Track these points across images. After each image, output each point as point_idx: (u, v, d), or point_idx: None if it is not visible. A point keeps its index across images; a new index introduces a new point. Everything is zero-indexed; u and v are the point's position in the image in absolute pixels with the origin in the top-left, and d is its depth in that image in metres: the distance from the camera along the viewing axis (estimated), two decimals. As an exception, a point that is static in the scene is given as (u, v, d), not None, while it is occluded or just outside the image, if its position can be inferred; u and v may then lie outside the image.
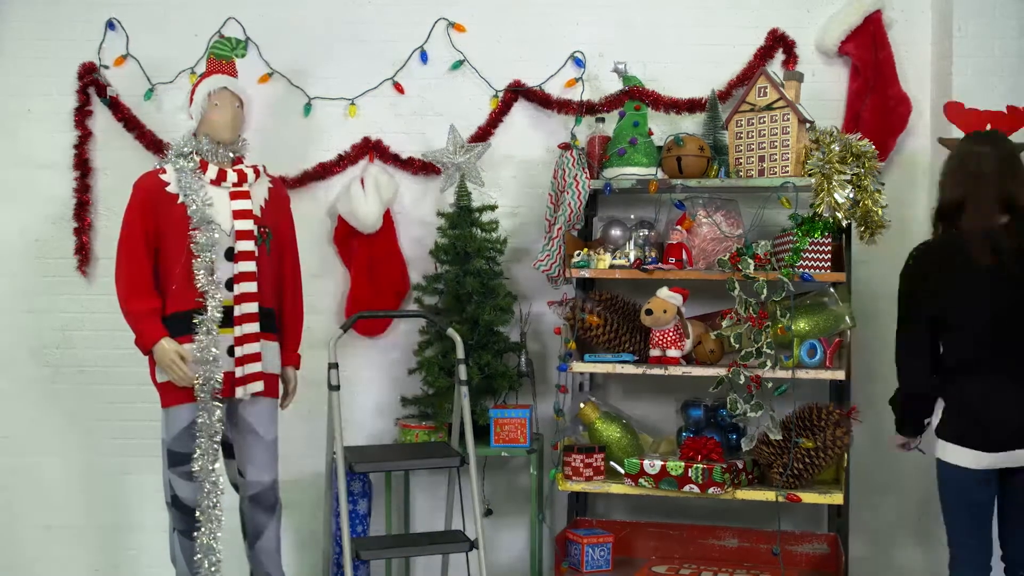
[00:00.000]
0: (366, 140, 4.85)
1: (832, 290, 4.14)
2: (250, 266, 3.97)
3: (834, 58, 4.65)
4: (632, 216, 4.54)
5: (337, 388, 3.97)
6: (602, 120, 4.57)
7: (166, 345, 3.85)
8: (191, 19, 4.88)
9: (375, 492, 4.78)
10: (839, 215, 4.04)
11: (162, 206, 3.93)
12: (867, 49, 4.57)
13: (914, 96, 4.60)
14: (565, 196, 4.32)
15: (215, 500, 3.92)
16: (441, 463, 4.09)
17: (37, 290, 4.97)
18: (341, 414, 4.11)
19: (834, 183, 4.03)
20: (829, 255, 4.12)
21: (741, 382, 4.06)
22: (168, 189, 3.95)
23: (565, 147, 4.41)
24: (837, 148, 4.08)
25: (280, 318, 4.17)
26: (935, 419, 3.63)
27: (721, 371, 4.12)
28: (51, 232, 4.95)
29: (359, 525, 4.57)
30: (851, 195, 4.04)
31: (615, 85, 4.65)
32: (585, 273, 4.32)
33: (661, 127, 4.64)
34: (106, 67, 4.92)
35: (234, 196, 4.00)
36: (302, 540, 4.93)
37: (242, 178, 4.04)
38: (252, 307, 3.97)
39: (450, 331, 4.13)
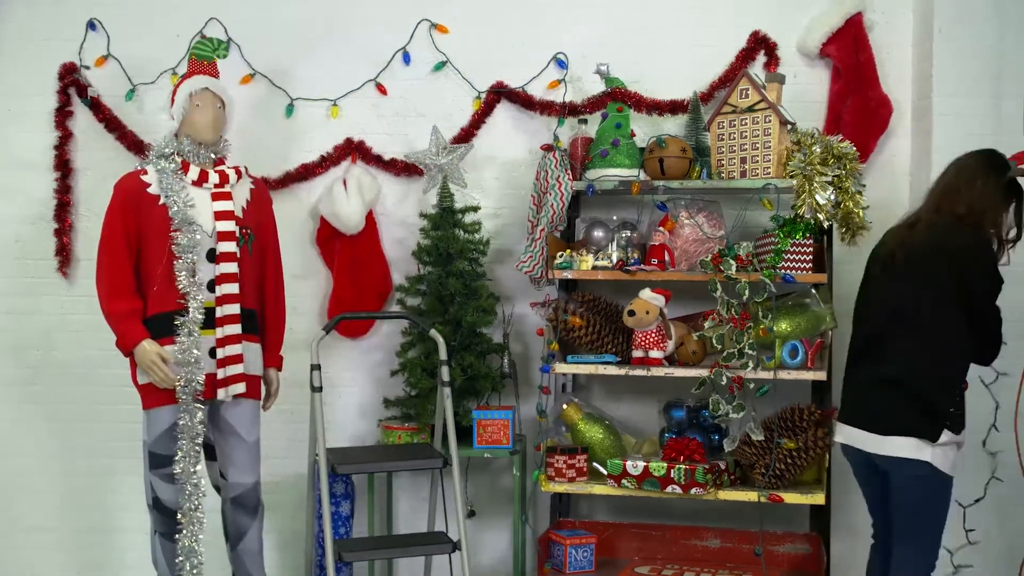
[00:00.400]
0: (348, 141, 4.84)
1: (814, 291, 4.16)
2: (232, 267, 3.96)
3: (816, 60, 4.67)
4: (615, 217, 4.54)
5: (319, 390, 3.96)
6: (584, 121, 4.58)
7: (147, 347, 3.84)
8: (173, 20, 4.87)
9: (357, 494, 4.78)
10: (820, 216, 4.06)
11: (143, 207, 3.92)
12: (848, 51, 4.58)
13: (895, 98, 4.61)
14: (548, 197, 4.32)
15: (196, 502, 3.91)
16: (424, 464, 4.08)
17: (18, 291, 4.94)
18: (324, 416, 4.09)
19: (815, 185, 4.04)
20: (811, 256, 4.13)
21: (723, 383, 4.07)
22: (149, 190, 3.94)
23: (548, 148, 4.41)
24: (818, 150, 4.09)
25: (262, 319, 4.16)
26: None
27: (703, 372, 4.13)
28: (31, 233, 4.93)
29: (342, 527, 4.57)
30: (832, 197, 4.05)
31: (598, 87, 4.66)
32: (568, 274, 4.32)
33: (643, 129, 4.64)
34: (87, 67, 4.90)
35: (216, 197, 3.99)
36: (284, 541, 4.92)
37: (224, 179, 4.03)
38: (234, 308, 3.96)
39: (432, 332, 4.13)
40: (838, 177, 4.09)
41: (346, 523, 4.59)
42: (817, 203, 4.04)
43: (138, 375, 3.93)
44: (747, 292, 4.06)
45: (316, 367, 3.97)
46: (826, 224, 4.11)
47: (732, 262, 4.10)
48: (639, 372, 4.20)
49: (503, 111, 4.82)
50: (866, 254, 4.44)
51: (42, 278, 4.93)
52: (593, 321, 4.33)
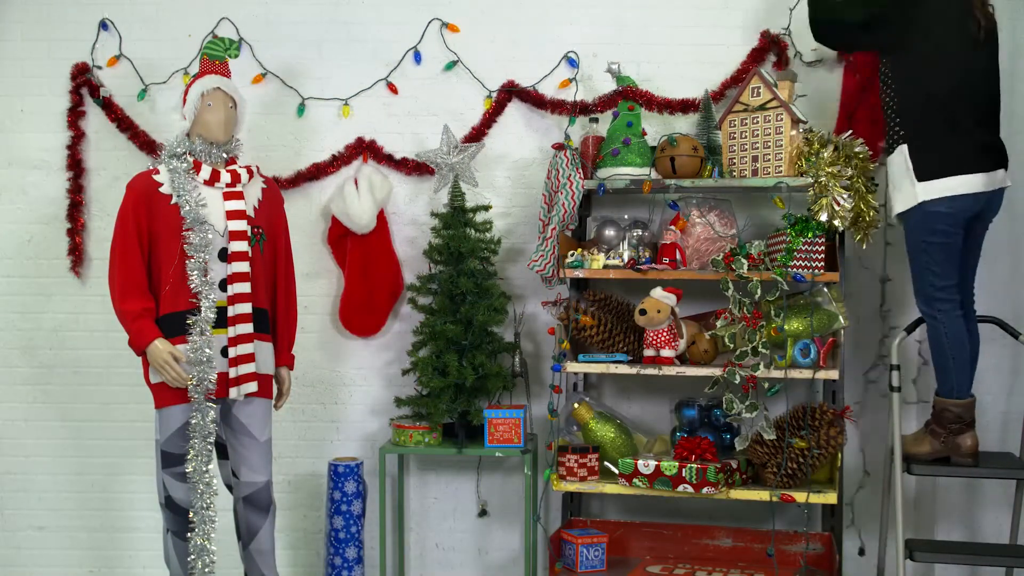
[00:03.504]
0: (360, 140, 4.85)
1: (826, 289, 4.15)
2: (244, 267, 3.97)
3: (831, 61, 4.63)
4: (626, 216, 4.54)
5: (898, 390, 4.03)
6: (596, 120, 4.57)
7: (160, 346, 3.85)
8: (184, 19, 4.88)
9: (366, 493, 4.79)
10: (836, 223, 4.04)
11: (155, 207, 3.93)
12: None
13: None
14: (559, 196, 4.32)
15: (209, 501, 3.91)
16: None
17: (30, 291, 4.96)
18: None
19: (832, 190, 4.03)
20: (823, 255, 4.12)
21: (737, 382, 4.06)
22: (161, 190, 3.95)
23: (559, 147, 4.41)
24: (827, 154, 4.08)
25: (274, 318, 4.16)
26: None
27: (715, 371, 4.12)
28: (44, 233, 4.94)
29: (353, 526, 4.57)
30: (850, 202, 4.04)
31: (609, 85, 4.65)
32: (579, 273, 4.32)
33: (655, 127, 4.64)
34: (99, 67, 4.91)
35: (228, 197, 4.00)
36: (296, 540, 4.93)
37: (236, 179, 4.03)
38: (246, 308, 3.96)
39: None
40: (851, 178, 4.09)
41: (357, 522, 4.60)
42: (834, 208, 4.02)
43: (150, 374, 3.94)
44: (759, 291, 4.05)
45: (895, 367, 4.04)
46: (840, 228, 4.10)
47: (744, 261, 4.09)
48: (650, 371, 4.20)
49: (514, 110, 4.81)
50: (878, 253, 4.45)
51: (54, 277, 4.94)
52: (604, 320, 4.33)
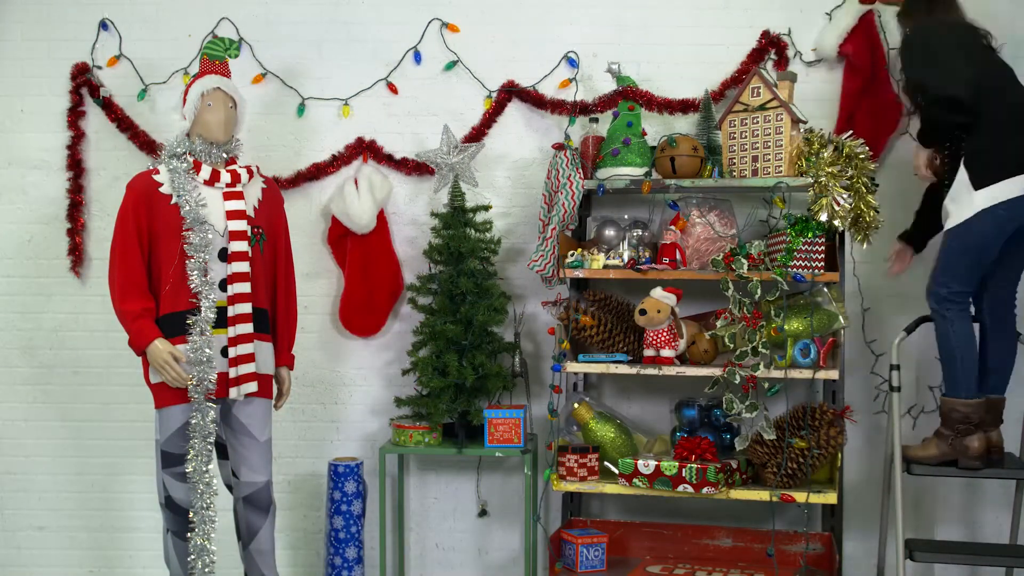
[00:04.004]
0: (360, 140, 4.85)
1: (826, 289, 4.15)
2: (244, 267, 3.97)
3: (828, 59, 4.64)
4: (626, 216, 4.54)
5: (898, 390, 4.03)
6: (596, 120, 4.57)
7: (160, 346, 3.85)
8: (184, 19, 4.88)
9: (366, 492, 4.79)
10: (836, 223, 4.05)
11: (155, 207, 3.93)
12: (864, 49, 4.56)
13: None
14: (559, 196, 4.32)
15: (209, 501, 3.91)
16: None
17: (30, 291, 4.96)
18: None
19: (832, 190, 4.03)
20: (823, 255, 4.12)
21: (737, 382, 4.06)
22: (161, 190, 3.95)
23: (559, 147, 4.41)
24: (827, 154, 4.08)
25: (274, 318, 4.16)
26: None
27: (715, 371, 4.12)
28: (44, 233, 4.95)
29: (353, 526, 4.57)
30: (849, 203, 4.04)
31: (609, 85, 4.65)
32: (579, 273, 4.32)
33: (655, 127, 4.64)
34: (99, 67, 4.91)
35: (228, 197, 4.00)
36: (296, 540, 4.93)
37: (236, 179, 4.03)
38: (246, 308, 3.96)
39: None
40: (851, 178, 4.08)
41: (357, 522, 4.60)
42: (834, 207, 4.02)
43: (150, 374, 3.94)
44: (759, 291, 4.05)
45: (895, 367, 4.04)
46: (840, 228, 4.10)
47: (744, 261, 4.09)
48: (650, 371, 4.20)
49: (514, 110, 4.81)
50: (880, 254, 4.45)
51: (54, 277, 4.94)
52: (604, 320, 4.33)
